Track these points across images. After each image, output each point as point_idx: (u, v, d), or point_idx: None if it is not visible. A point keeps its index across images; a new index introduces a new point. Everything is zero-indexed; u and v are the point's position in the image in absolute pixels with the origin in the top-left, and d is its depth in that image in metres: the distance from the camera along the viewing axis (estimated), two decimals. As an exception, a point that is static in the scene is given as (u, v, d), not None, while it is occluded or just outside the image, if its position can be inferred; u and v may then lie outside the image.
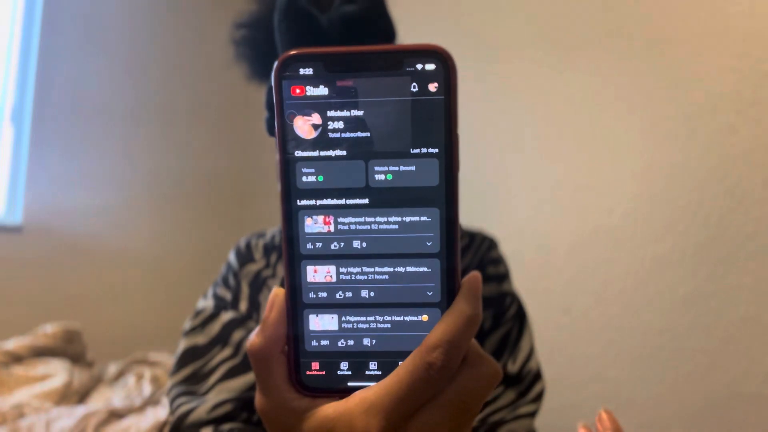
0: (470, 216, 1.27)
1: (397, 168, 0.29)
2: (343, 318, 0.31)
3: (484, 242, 0.67)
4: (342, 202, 0.30)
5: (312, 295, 0.31)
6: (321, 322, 0.31)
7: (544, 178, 1.36)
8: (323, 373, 0.31)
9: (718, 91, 1.08)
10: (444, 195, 0.29)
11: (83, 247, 2.01)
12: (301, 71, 0.30)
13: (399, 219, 0.30)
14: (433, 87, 0.29)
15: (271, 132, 0.75)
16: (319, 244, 0.30)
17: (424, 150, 0.29)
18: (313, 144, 0.30)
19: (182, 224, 2.24)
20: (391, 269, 0.30)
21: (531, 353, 0.62)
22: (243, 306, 0.65)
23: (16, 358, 1.46)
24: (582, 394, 1.23)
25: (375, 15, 0.64)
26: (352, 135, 0.30)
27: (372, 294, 0.31)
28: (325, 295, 0.31)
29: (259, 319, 0.64)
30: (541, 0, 1.41)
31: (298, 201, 0.30)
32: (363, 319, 0.31)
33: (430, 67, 0.29)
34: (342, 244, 0.30)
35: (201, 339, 0.64)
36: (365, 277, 0.30)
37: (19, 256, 1.89)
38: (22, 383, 1.38)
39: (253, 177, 2.36)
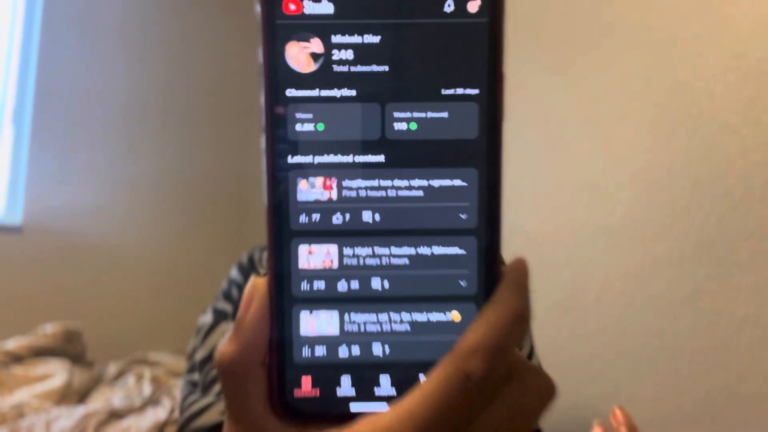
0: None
1: (423, 114, 0.23)
2: (347, 317, 0.23)
3: None
4: (348, 159, 0.23)
5: (305, 285, 0.23)
6: (316, 323, 0.23)
7: (544, 178, 1.36)
8: (317, 392, 0.23)
9: (718, 91, 1.08)
10: (485, 151, 0.23)
11: (83, 247, 2.01)
12: None
13: (425, 183, 0.23)
14: (473, 6, 0.22)
15: None
16: (316, 216, 0.23)
17: (459, 91, 0.23)
18: (312, 80, 0.23)
19: (183, 224, 2.24)
20: (413, 250, 0.23)
21: (531, 353, 0.62)
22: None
23: (16, 358, 1.46)
24: (582, 394, 1.23)
25: None
26: (365, 69, 0.23)
27: (386, 284, 0.23)
28: (322, 285, 0.23)
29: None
30: (540, 0, 1.41)
31: (289, 157, 0.23)
32: (373, 318, 0.23)
33: None
34: (347, 216, 0.23)
35: (202, 353, 0.61)
36: (377, 261, 0.23)
37: (19, 256, 1.89)
38: (22, 383, 1.38)
39: (255, 177, 2.36)
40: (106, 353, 1.81)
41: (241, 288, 0.64)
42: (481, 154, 0.23)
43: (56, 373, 1.42)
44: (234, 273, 0.69)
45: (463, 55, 0.23)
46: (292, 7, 0.22)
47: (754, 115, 1.03)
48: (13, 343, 1.49)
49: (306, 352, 0.23)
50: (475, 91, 0.23)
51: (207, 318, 0.66)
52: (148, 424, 1.23)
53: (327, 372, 0.23)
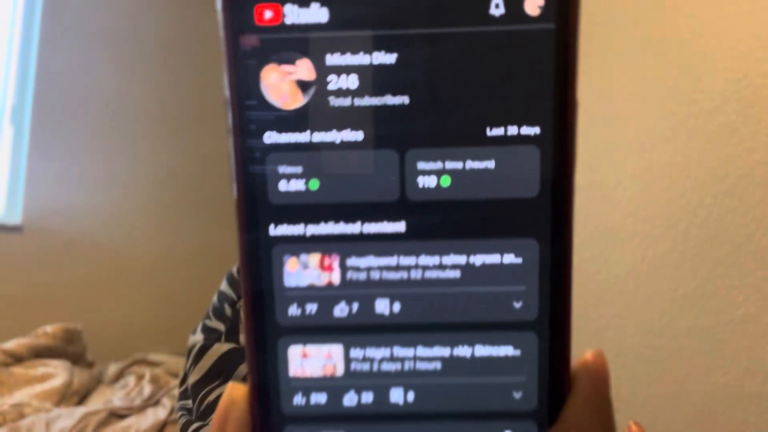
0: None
1: (460, 164, 0.16)
2: None
3: None
4: (355, 229, 0.17)
5: (299, 400, 0.17)
6: None
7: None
8: None
9: (718, 91, 1.08)
10: (548, 214, 0.16)
11: (83, 247, 2.01)
12: None
13: (462, 260, 0.17)
14: (533, 5, 0.16)
15: None
16: (311, 307, 0.17)
17: (512, 130, 0.16)
18: (300, 119, 0.16)
19: (183, 224, 2.24)
20: (447, 352, 0.17)
21: None
22: (243, 338, 0.61)
23: (16, 358, 1.46)
24: (582, 394, 1.23)
25: None
26: (376, 102, 0.16)
27: (410, 398, 0.17)
28: (323, 400, 0.17)
29: None
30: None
31: (270, 227, 0.17)
32: None
33: None
34: (355, 306, 0.17)
35: (194, 378, 0.57)
36: (398, 366, 0.17)
37: (19, 256, 1.89)
38: (22, 383, 1.38)
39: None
40: (107, 353, 1.81)
41: (234, 305, 0.58)
42: (544, 218, 0.16)
43: (56, 373, 1.42)
44: (224, 286, 0.63)
45: (518, 77, 0.16)
46: (269, 14, 0.16)
47: (754, 115, 1.03)
48: (13, 343, 1.49)
49: None
50: (536, 130, 0.16)
51: (197, 337, 0.61)
52: (148, 424, 1.23)
53: None
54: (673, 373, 1.11)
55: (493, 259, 0.17)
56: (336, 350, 0.17)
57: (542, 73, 0.16)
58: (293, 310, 0.17)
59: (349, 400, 0.17)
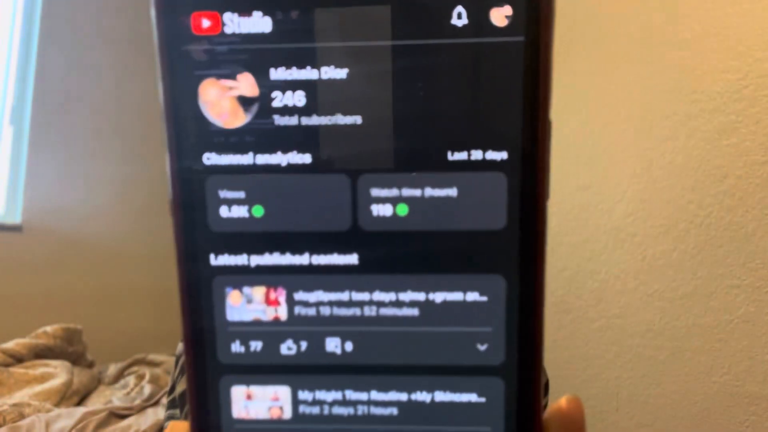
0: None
1: (418, 192, 0.15)
2: None
3: None
4: (303, 260, 0.15)
5: None
6: None
7: (544, 178, 1.36)
8: None
9: (718, 91, 1.08)
10: (516, 249, 0.15)
11: (83, 247, 2.01)
12: None
13: (421, 297, 0.15)
14: (499, 16, 0.14)
15: None
16: (255, 345, 0.16)
17: (477, 154, 0.15)
18: (242, 140, 0.15)
19: (182, 224, 2.24)
20: (405, 397, 0.15)
21: (546, 386, 0.61)
22: None
23: (16, 358, 1.46)
24: (582, 394, 1.23)
25: None
26: (325, 121, 0.15)
27: None
28: None
29: None
30: (541, 0, 1.41)
31: (210, 257, 0.16)
32: None
33: None
34: (303, 344, 0.16)
35: (181, 387, 0.56)
36: (351, 411, 0.15)
37: (19, 256, 1.89)
38: (22, 383, 1.38)
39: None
40: (107, 353, 1.81)
41: None
42: (511, 253, 0.15)
43: (56, 373, 1.42)
44: None
45: (484, 96, 0.15)
46: (206, 23, 0.14)
47: (754, 115, 1.03)
48: (13, 343, 1.49)
49: None
50: (502, 155, 0.15)
51: None
52: (148, 424, 1.23)
53: None
54: (673, 373, 1.11)
55: (455, 296, 0.15)
56: (283, 392, 0.16)
57: (510, 92, 0.15)
58: (236, 347, 0.16)
59: None
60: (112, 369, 1.64)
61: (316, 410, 0.15)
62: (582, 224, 1.28)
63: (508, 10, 0.14)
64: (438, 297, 0.15)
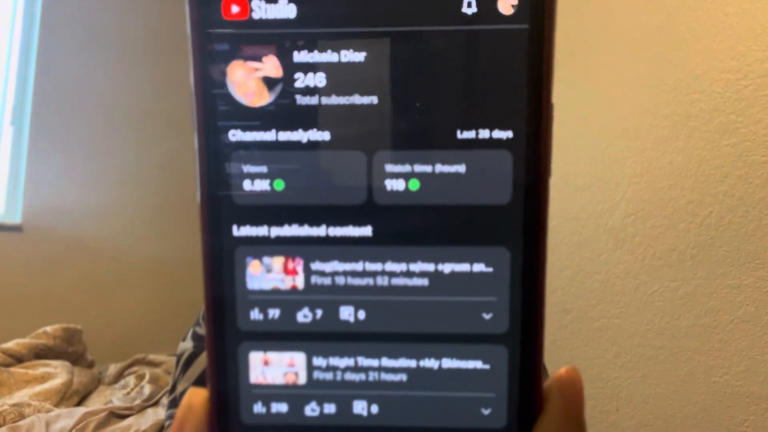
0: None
1: (429, 168, 0.16)
2: None
3: None
4: (320, 232, 0.16)
5: (259, 408, 0.17)
6: None
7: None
8: None
9: (718, 91, 1.08)
10: (520, 222, 0.16)
11: (83, 247, 2.01)
12: None
13: (430, 267, 0.16)
14: (506, 4, 0.15)
15: None
16: (273, 312, 0.16)
17: (484, 133, 0.16)
18: (266, 118, 0.16)
19: (183, 224, 2.24)
20: (413, 363, 0.16)
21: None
22: None
23: (16, 358, 1.46)
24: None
25: None
26: (344, 101, 0.16)
27: (374, 410, 0.16)
28: (284, 409, 0.17)
29: None
30: (541, 0, 1.41)
31: (233, 228, 0.16)
32: None
33: None
34: (319, 312, 0.16)
35: (183, 386, 0.57)
36: (361, 376, 0.16)
37: (19, 256, 1.89)
38: (22, 383, 1.38)
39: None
40: (107, 353, 1.81)
41: None
42: (515, 226, 0.16)
43: (56, 373, 1.42)
44: None
45: (491, 79, 0.16)
46: (236, 9, 0.15)
47: (754, 115, 1.03)
48: (13, 343, 1.49)
49: None
50: (508, 134, 0.16)
51: (186, 344, 0.61)
52: (148, 424, 1.23)
53: None
54: (673, 373, 1.11)
55: (462, 267, 0.16)
56: (298, 358, 0.16)
57: (516, 75, 0.16)
58: (255, 315, 0.16)
59: (311, 410, 0.16)
60: (112, 369, 1.64)
61: (329, 376, 0.16)
62: (582, 224, 1.28)
63: (514, 0, 0.15)
64: (446, 268, 0.16)
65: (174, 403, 0.60)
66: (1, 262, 1.86)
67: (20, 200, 1.92)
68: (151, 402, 1.39)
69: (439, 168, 0.16)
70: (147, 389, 1.46)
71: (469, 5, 0.15)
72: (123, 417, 1.28)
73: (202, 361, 0.58)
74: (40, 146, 1.94)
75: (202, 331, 0.61)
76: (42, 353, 1.51)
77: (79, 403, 1.40)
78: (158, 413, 1.31)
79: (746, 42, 1.05)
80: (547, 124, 0.16)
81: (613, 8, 1.26)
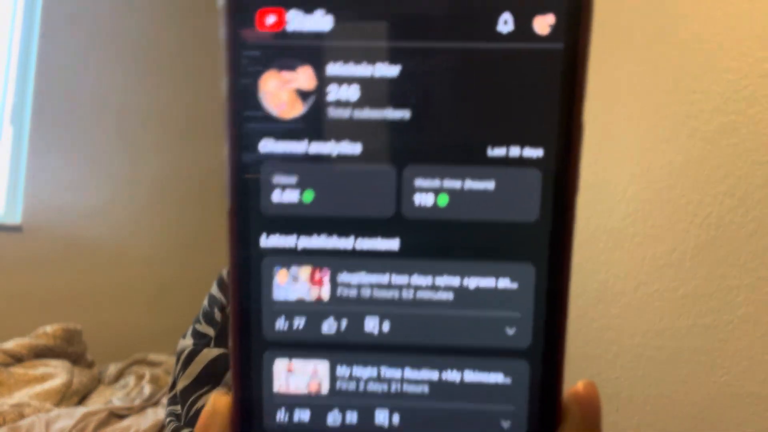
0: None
1: (458, 183, 0.16)
2: None
3: None
4: (348, 244, 0.16)
5: (282, 416, 0.17)
6: None
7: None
8: None
9: (718, 91, 1.08)
10: (547, 240, 0.16)
11: (83, 247, 2.01)
12: None
13: (456, 282, 0.16)
14: (543, 24, 0.16)
15: None
16: (299, 322, 0.17)
17: (515, 151, 0.16)
18: (298, 129, 0.16)
19: (183, 224, 2.24)
20: (435, 375, 0.17)
21: None
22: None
23: (16, 358, 1.46)
24: (582, 394, 1.23)
25: None
26: (376, 114, 0.16)
27: (396, 419, 0.17)
28: (306, 417, 0.17)
29: None
30: (541, 0, 1.41)
31: (262, 238, 0.16)
32: None
33: None
34: (344, 323, 0.17)
35: (183, 383, 0.58)
36: (384, 387, 0.17)
37: (19, 256, 1.89)
38: (22, 383, 1.38)
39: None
40: (107, 353, 1.81)
41: (224, 309, 0.59)
42: (542, 243, 0.16)
43: (56, 374, 1.42)
44: (214, 290, 0.64)
45: (524, 97, 0.16)
46: (271, 19, 0.16)
47: (754, 115, 1.03)
48: (13, 343, 1.49)
49: None
50: (538, 153, 0.16)
51: (187, 342, 0.62)
52: (148, 424, 1.23)
53: None
54: (673, 373, 1.11)
55: (487, 282, 0.16)
56: (322, 367, 0.17)
57: (548, 94, 0.16)
58: (281, 324, 0.17)
59: (333, 419, 0.17)
60: (112, 369, 1.64)
61: (352, 386, 0.17)
62: (582, 224, 1.28)
63: (551, 18, 0.16)
64: (472, 282, 0.16)
65: (174, 400, 0.60)
66: (1, 262, 1.86)
67: (20, 200, 1.92)
68: (151, 402, 1.39)
69: (468, 184, 0.16)
70: (147, 389, 1.46)
71: (506, 23, 0.15)
72: (123, 417, 1.28)
73: (202, 359, 0.58)
74: (40, 146, 1.94)
75: (202, 328, 0.62)
76: (42, 353, 1.51)
77: (79, 403, 1.40)
78: (158, 413, 1.31)
79: (746, 42, 1.05)
80: (577, 143, 0.16)
81: (614, 9, 1.26)
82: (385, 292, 0.16)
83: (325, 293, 0.17)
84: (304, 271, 0.17)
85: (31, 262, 1.90)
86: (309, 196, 0.16)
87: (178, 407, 0.58)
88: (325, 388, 0.17)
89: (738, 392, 1.02)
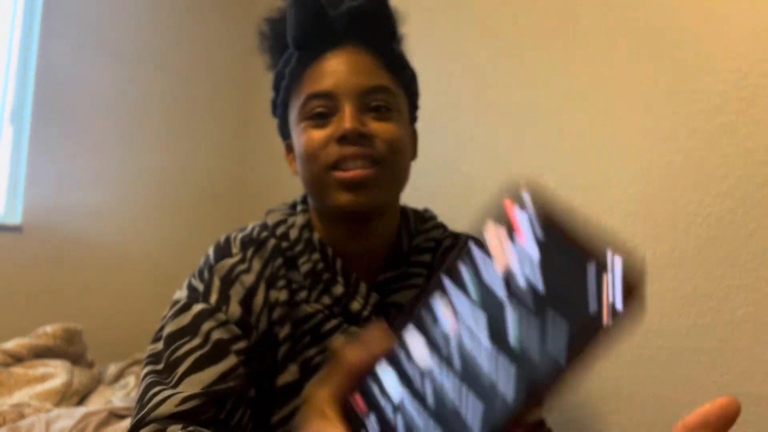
0: (468, 217, 1.27)
1: None
2: None
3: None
4: None
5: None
6: None
7: (544, 178, 1.36)
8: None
9: (718, 91, 1.08)
10: None
11: (83, 247, 2.01)
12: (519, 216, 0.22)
13: None
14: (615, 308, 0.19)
15: (275, 113, 0.79)
16: None
17: None
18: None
19: (183, 224, 2.24)
20: None
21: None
22: (213, 299, 0.67)
23: (16, 358, 1.46)
24: (582, 394, 1.23)
25: (379, 11, 0.69)
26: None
27: None
28: None
29: (228, 311, 0.66)
30: (541, 1, 1.41)
31: None
32: None
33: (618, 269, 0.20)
34: None
35: (170, 329, 0.66)
36: None
37: (19, 256, 1.89)
38: (22, 383, 1.38)
39: (255, 178, 2.36)
40: (107, 353, 1.81)
41: (211, 269, 0.68)
42: None
43: (56, 374, 1.42)
44: (210, 251, 0.72)
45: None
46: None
47: (754, 115, 1.03)
48: (13, 343, 1.49)
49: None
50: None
51: (182, 293, 0.70)
52: (148, 424, 1.23)
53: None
54: (673, 373, 1.11)
55: None
56: None
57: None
58: None
59: None
60: (112, 369, 1.64)
61: None
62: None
63: (619, 306, 0.19)
64: None
65: (157, 339, 0.66)
66: (1, 262, 1.86)
67: (20, 200, 1.92)
68: (151, 402, 1.39)
69: None
70: (147, 389, 1.46)
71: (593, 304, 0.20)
72: (123, 417, 1.28)
73: (190, 312, 0.65)
74: (40, 146, 1.94)
75: (195, 282, 0.69)
76: (42, 353, 1.51)
77: (79, 403, 1.40)
78: (158, 413, 1.31)
79: (746, 42, 1.05)
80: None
81: (614, 9, 1.26)
82: None
83: None
84: None
85: (31, 262, 1.90)
86: None
87: (160, 344, 0.64)
88: None
89: (738, 392, 1.02)
